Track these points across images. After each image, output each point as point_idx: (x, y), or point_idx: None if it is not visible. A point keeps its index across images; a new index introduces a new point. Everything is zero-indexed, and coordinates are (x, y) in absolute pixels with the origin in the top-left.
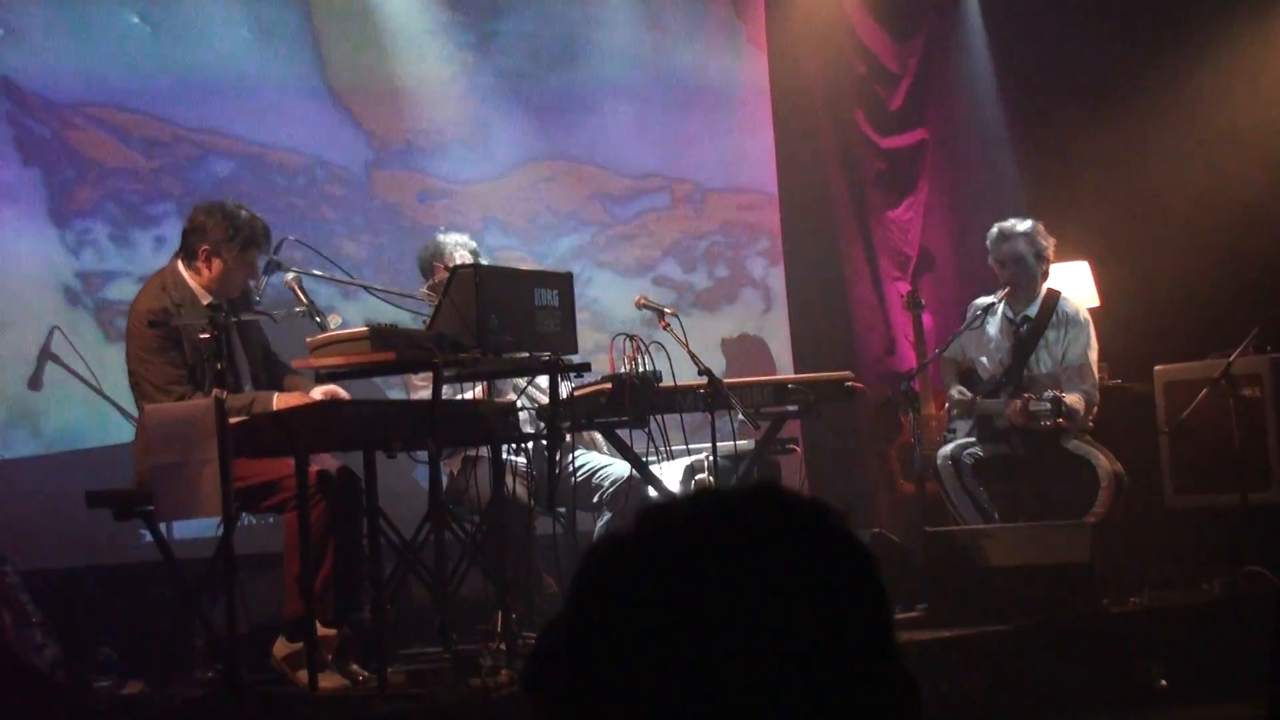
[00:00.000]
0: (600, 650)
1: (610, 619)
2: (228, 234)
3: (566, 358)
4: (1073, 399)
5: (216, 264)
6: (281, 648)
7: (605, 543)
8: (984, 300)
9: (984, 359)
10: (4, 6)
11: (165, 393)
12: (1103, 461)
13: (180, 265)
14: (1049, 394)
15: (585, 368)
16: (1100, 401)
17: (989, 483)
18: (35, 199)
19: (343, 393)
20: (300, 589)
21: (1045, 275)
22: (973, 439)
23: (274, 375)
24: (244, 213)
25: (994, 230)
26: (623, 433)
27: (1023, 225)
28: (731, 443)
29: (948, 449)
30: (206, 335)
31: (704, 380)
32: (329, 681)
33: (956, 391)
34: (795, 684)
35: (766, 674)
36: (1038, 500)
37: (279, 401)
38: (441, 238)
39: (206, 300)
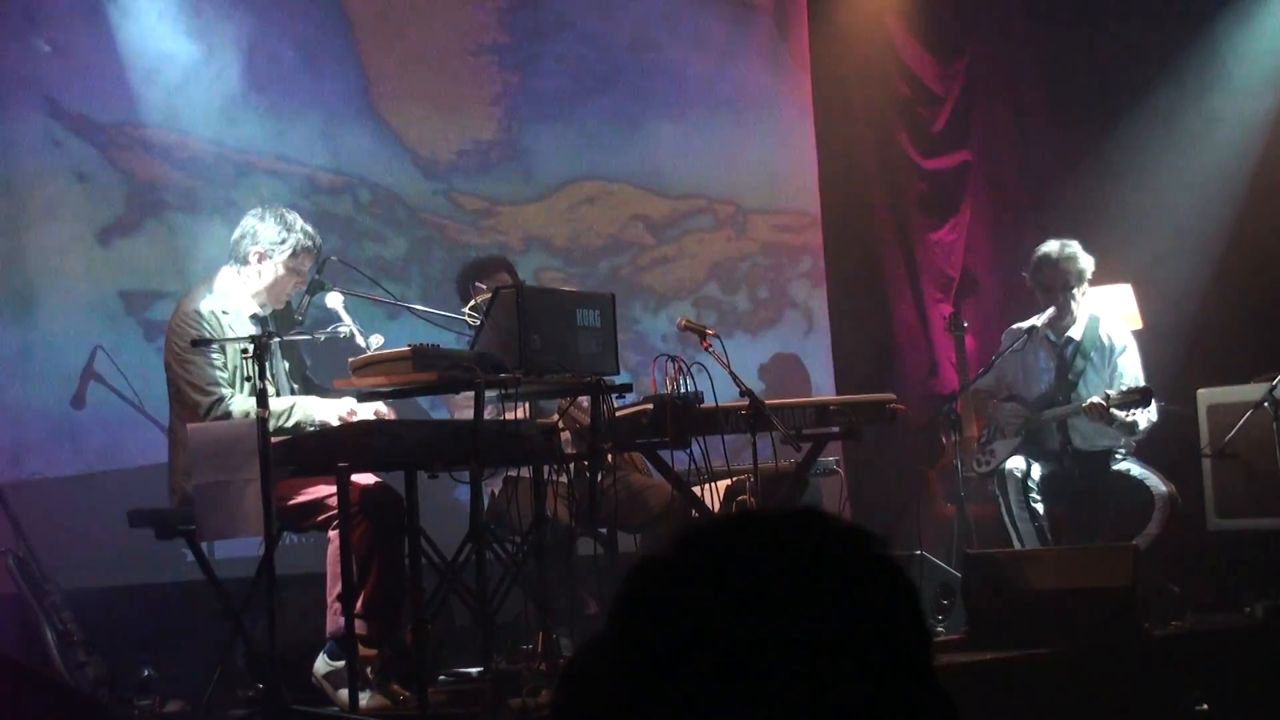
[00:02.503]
0: (640, 670)
1: (650, 640)
2: (279, 237)
3: (608, 378)
4: (1150, 414)
5: (268, 268)
6: (323, 666)
7: (646, 564)
8: (1022, 325)
9: (1028, 384)
10: (49, 25)
11: (203, 394)
12: (1157, 483)
13: (229, 272)
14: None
15: (627, 388)
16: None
17: (1044, 502)
18: (79, 218)
19: (388, 411)
20: (342, 608)
21: (1084, 295)
22: (1020, 457)
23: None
24: (296, 219)
25: (1036, 255)
26: (664, 454)
27: (1062, 247)
28: (773, 464)
29: (1013, 462)
30: (248, 354)
31: (745, 401)
32: (370, 701)
33: (1010, 406)
34: (832, 709)
35: (804, 698)
36: (1088, 521)
37: (319, 406)
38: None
39: (252, 309)
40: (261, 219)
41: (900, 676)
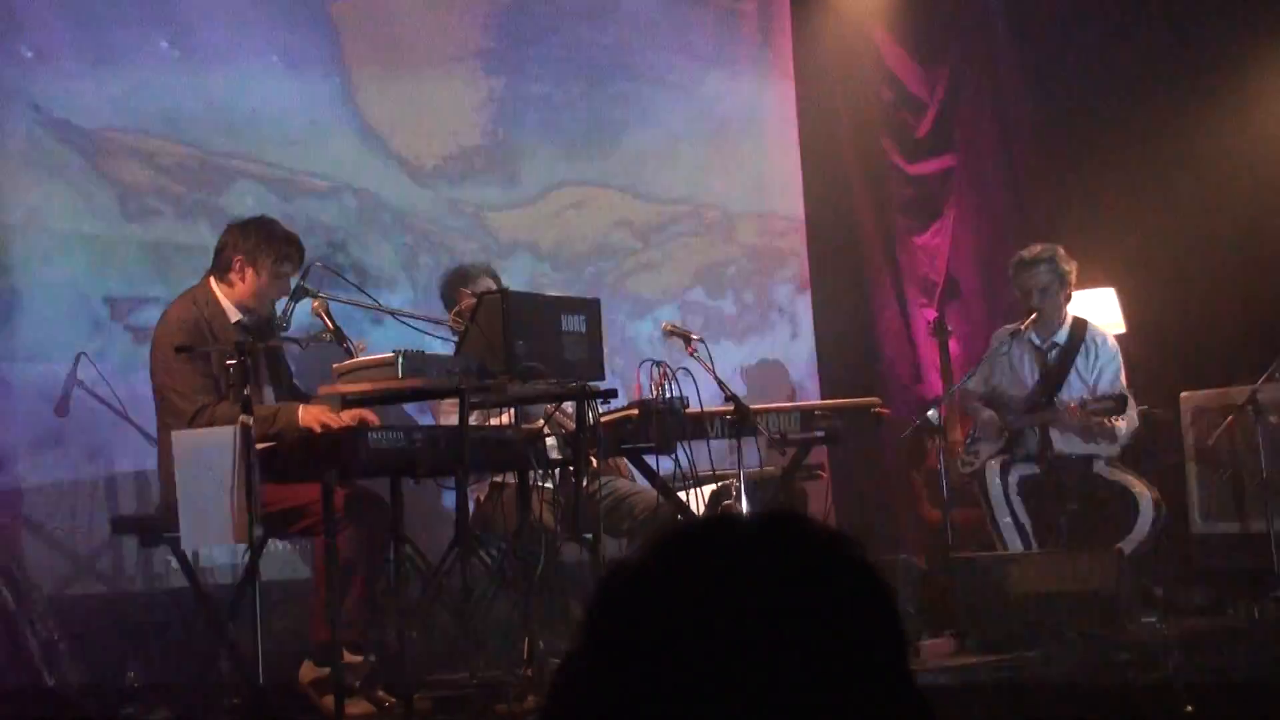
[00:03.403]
0: (614, 674)
1: (624, 644)
2: (261, 245)
3: (593, 384)
4: (1128, 419)
5: (250, 275)
6: (308, 672)
7: (620, 568)
8: (1009, 328)
9: (1013, 387)
10: (32, 30)
11: (190, 401)
12: (1142, 490)
13: (212, 281)
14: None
15: (612, 394)
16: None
17: (1025, 502)
18: (63, 224)
19: (373, 416)
20: (327, 614)
21: (1068, 299)
22: (1001, 458)
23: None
24: (278, 226)
25: (1016, 259)
26: (649, 459)
27: (1044, 251)
28: (759, 468)
29: (997, 464)
30: (233, 361)
31: (730, 406)
32: (355, 708)
33: (988, 414)
34: (807, 711)
35: (779, 702)
36: (1072, 526)
37: (304, 412)
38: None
39: (236, 318)
40: (243, 228)
41: (876, 679)
